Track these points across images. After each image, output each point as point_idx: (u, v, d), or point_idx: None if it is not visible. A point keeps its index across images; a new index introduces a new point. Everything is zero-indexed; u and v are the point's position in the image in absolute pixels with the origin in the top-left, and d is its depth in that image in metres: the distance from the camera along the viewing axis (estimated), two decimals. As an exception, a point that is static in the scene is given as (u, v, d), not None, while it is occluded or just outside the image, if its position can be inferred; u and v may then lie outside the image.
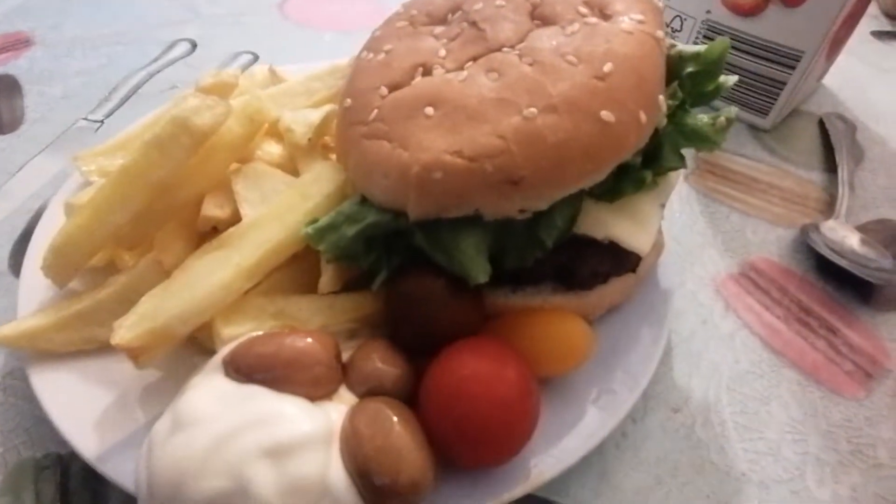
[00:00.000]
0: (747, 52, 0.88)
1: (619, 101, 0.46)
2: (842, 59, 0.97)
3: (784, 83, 0.88)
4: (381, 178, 0.50)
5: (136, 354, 0.48)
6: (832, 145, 0.89)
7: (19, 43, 1.07)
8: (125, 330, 0.48)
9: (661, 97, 0.49)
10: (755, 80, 0.90)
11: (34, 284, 0.60)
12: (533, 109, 0.45)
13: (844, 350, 0.66)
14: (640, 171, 0.54)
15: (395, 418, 0.45)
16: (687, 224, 0.80)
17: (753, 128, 0.95)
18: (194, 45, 1.08)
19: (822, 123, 0.95)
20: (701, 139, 0.56)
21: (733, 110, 0.55)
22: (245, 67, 1.03)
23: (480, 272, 0.48)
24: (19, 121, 0.91)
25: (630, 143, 0.48)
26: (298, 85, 0.72)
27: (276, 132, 0.67)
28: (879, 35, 1.18)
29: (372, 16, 1.13)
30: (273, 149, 0.67)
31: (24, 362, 0.54)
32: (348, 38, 1.08)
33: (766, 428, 0.59)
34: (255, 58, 1.06)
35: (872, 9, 1.23)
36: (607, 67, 0.46)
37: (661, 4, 0.54)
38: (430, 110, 0.49)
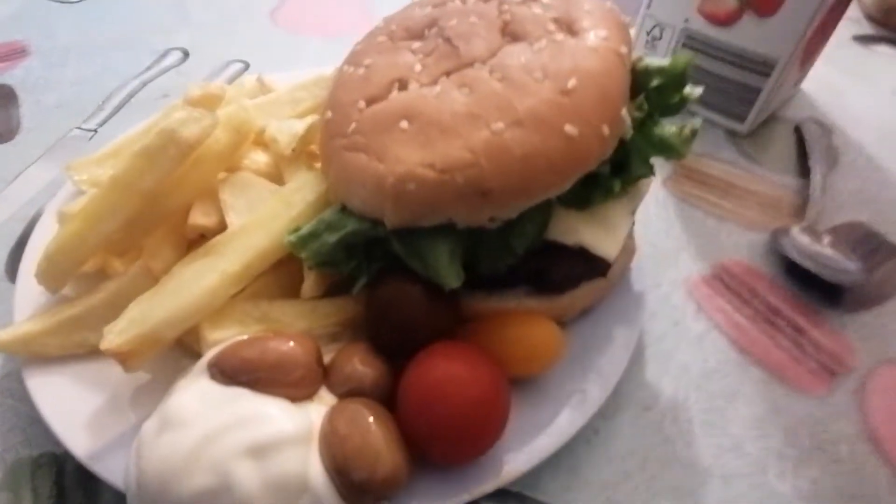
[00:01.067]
0: (724, 60, 0.90)
1: (583, 115, 0.48)
2: (820, 64, 0.99)
3: (759, 89, 0.91)
4: (360, 188, 0.52)
5: (124, 359, 0.50)
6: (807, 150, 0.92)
7: (15, 53, 1.09)
8: (114, 335, 0.50)
9: (625, 110, 0.52)
10: (732, 87, 0.92)
11: (30, 290, 0.62)
12: (501, 124, 0.48)
13: (810, 349, 0.68)
14: (609, 180, 0.56)
15: (371, 418, 0.47)
16: (662, 228, 0.82)
17: (731, 133, 0.97)
18: (186, 54, 1.10)
19: (798, 129, 0.98)
20: (667, 149, 0.58)
21: (698, 121, 0.57)
22: (236, 76, 1.05)
23: (453, 278, 0.51)
24: (15, 130, 0.93)
25: (593, 155, 0.50)
26: (284, 95, 0.74)
27: (262, 141, 0.69)
28: (861, 39, 1.20)
29: (359, 24, 1.15)
30: (260, 157, 0.69)
31: (20, 365, 0.57)
32: (336, 44, 1.11)
33: (730, 424, 0.61)
34: (246, 66, 1.08)
35: (854, 12, 1.26)
36: (571, 83, 0.49)
37: (627, 20, 0.57)
38: (405, 124, 0.51)
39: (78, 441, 0.52)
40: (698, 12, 0.89)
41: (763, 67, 0.88)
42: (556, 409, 0.55)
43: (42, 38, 1.12)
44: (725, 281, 0.76)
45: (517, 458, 0.52)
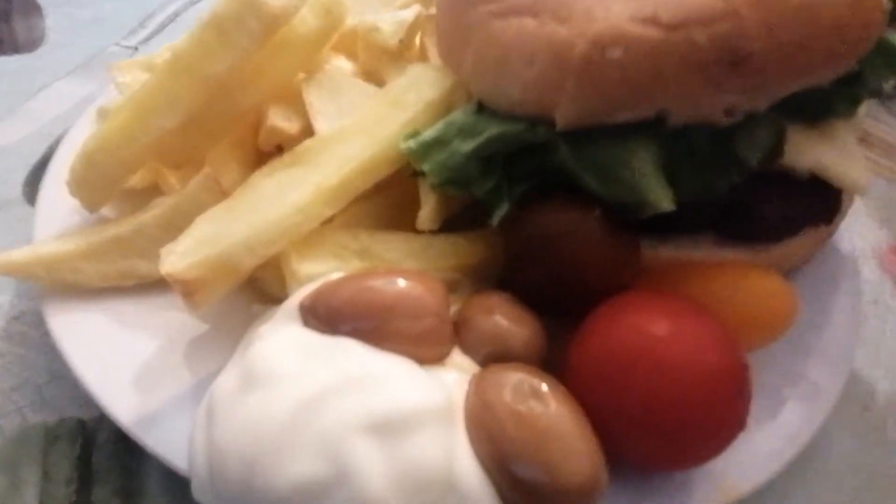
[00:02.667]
0: None
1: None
2: None
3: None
4: (523, 66, 0.37)
5: (191, 290, 0.36)
6: None
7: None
8: (177, 257, 0.36)
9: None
10: None
11: (54, 212, 0.49)
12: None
13: None
14: (853, 87, 0.40)
15: (547, 389, 0.32)
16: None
17: (874, 92, 0.81)
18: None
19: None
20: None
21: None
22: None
23: (662, 196, 0.35)
24: (39, 41, 0.82)
25: (878, 22, 0.34)
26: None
27: (345, 45, 0.54)
28: None
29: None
30: (345, 64, 0.55)
31: (39, 301, 0.43)
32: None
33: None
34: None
35: None
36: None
37: None
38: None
39: (120, 401, 0.38)
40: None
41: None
42: (780, 403, 0.39)
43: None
44: (925, 252, 0.59)
45: (738, 468, 0.36)
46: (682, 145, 0.37)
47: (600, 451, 0.31)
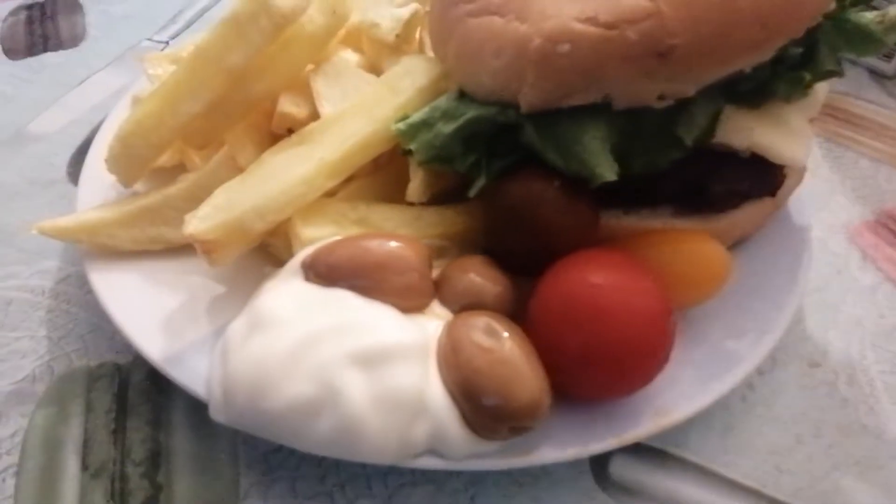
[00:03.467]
0: None
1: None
2: None
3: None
4: (492, 58, 0.42)
5: (210, 249, 0.42)
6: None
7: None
8: (199, 221, 0.42)
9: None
10: None
11: (95, 188, 0.55)
12: (691, -38, 0.37)
13: None
14: (795, 71, 0.45)
15: (505, 332, 0.38)
16: (810, 169, 0.69)
17: (875, 73, 0.83)
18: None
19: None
20: (865, 39, 0.46)
21: (903, 5, 0.45)
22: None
23: (607, 168, 0.41)
24: (80, 37, 0.88)
25: (808, 10, 0.39)
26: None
27: (352, 39, 0.60)
28: None
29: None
30: (350, 56, 0.60)
31: (82, 261, 0.49)
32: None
33: (923, 389, 0.50)
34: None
35: None
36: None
37: None
38: (551, -25, 0.41)
39: (152, 345, 0.44)
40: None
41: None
42: (712, 352, 0.45)
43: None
44: (893, 229, 0.63)
45: (671, 402, 0.42)
46: (631, 126, 0.42)
47: (545, 379, 0.37)
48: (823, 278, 0.58)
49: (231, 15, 0.48)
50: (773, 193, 0.49)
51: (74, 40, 0.88)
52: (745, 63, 0.39)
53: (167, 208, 0.49)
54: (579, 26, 0.38)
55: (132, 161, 0.51)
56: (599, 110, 0.41)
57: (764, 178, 0.47)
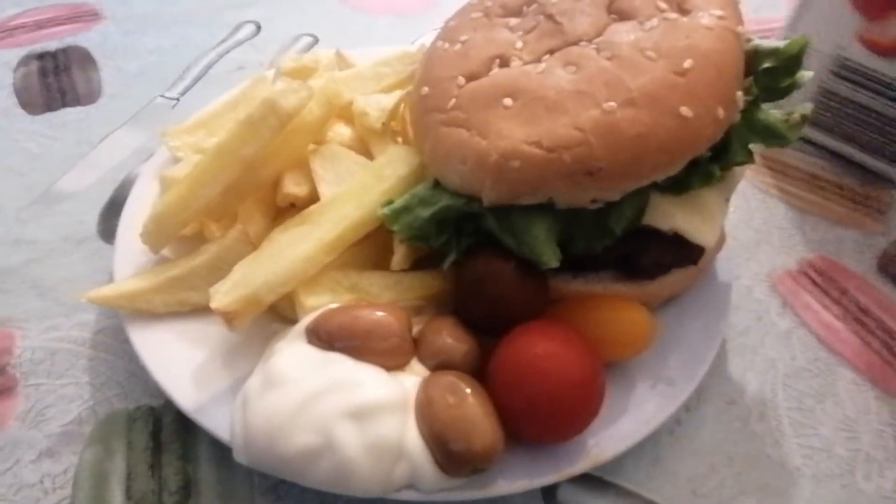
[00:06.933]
0: (885, 96, 0.77)
1: (699, 96, 0.47)
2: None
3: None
4: (459, 163, 0.52)
5: (231, 318, 0.52)
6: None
7: (87, 15, 1.11)
8: (222, 295, 0.52)
9: (739, 93, 0.50)
10: (889, 126, 0.79)
11: (130, 250, 0.64)
12: (612, 103, 0.47)
13: (901, 352, 0.66)
14: (708, 166, 0.55)
15: (468, 389, 0.48)
16: (742, 219, 0.80)
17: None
18: (258, 27, 1.11)
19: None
20: (773, 135, 0.56)
21: (808, 106, 0.55)
22: (306, 49, 1.06)
23: (551, 256, 0.51)
24: (97, 94, 0.94)
25: (706, 138, 0.49)
26: (367, 70, 0.74)
27: (345, 115, 0.70)
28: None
29: (427, 2, 1.14)
30: (344, 130, 0.70)
31: (123, 320, 0.59)
32: (403, 21, 1.10)
33: (820, 425, 0.60)
34: (316, 40, 1.08)
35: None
36: (687, 63, 0.48)
37: None
38: (508, 101, 0.51)
39: (182, 393, 0.53)
40: (857, 39, 0.75)
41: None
42: (642, 397, 0.55)
43: (116, 4, 1.13)
44: (812, 277, 0.73)
45: (606, 442, 0.52)
46: (571, 220, 0.52)
47: (499, 428, 0.47)
48: (745, 324, 0.68)
49: (245, 117, 0.58)
50: (695, 262, 0.59)
51: (91, 96, 0.93)
52: (658, 177, 0.50)
53: (193, 276, 0.59)
54: (527, 148, 0.48)
55: (161, 236, 0.61)
56: (546, 207, 0.51)
57: (685, 252, 0.57)
